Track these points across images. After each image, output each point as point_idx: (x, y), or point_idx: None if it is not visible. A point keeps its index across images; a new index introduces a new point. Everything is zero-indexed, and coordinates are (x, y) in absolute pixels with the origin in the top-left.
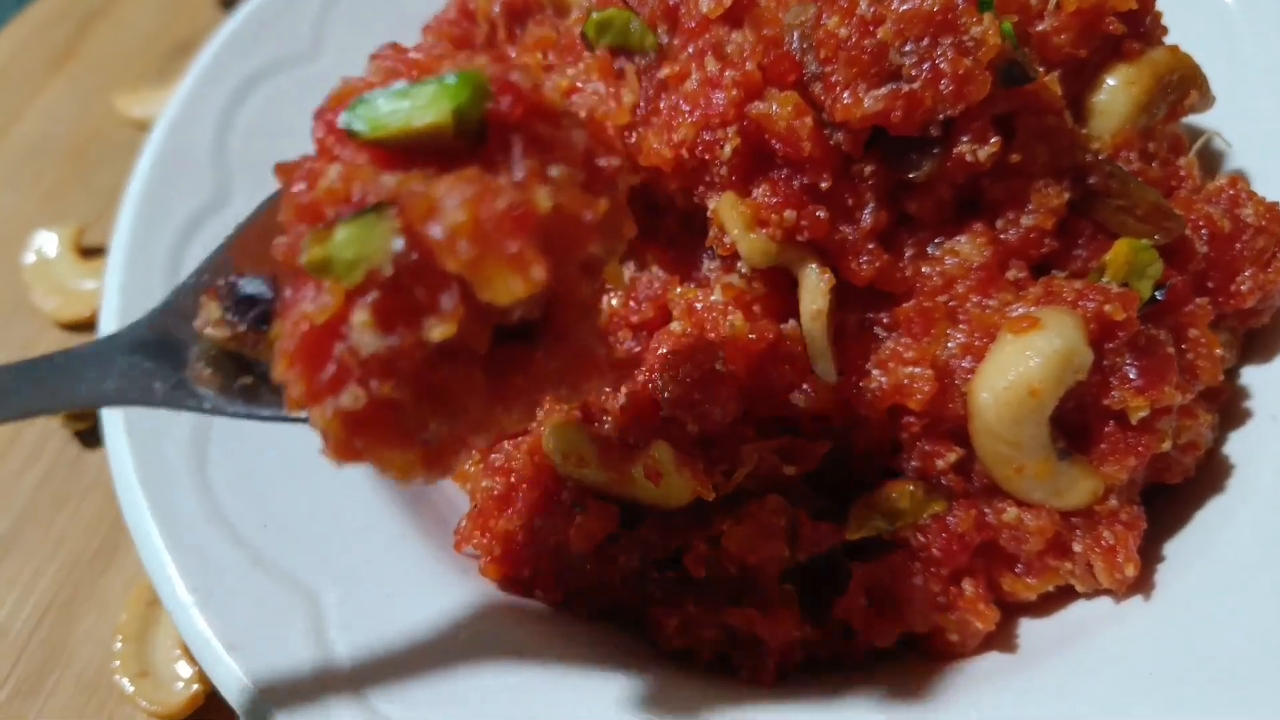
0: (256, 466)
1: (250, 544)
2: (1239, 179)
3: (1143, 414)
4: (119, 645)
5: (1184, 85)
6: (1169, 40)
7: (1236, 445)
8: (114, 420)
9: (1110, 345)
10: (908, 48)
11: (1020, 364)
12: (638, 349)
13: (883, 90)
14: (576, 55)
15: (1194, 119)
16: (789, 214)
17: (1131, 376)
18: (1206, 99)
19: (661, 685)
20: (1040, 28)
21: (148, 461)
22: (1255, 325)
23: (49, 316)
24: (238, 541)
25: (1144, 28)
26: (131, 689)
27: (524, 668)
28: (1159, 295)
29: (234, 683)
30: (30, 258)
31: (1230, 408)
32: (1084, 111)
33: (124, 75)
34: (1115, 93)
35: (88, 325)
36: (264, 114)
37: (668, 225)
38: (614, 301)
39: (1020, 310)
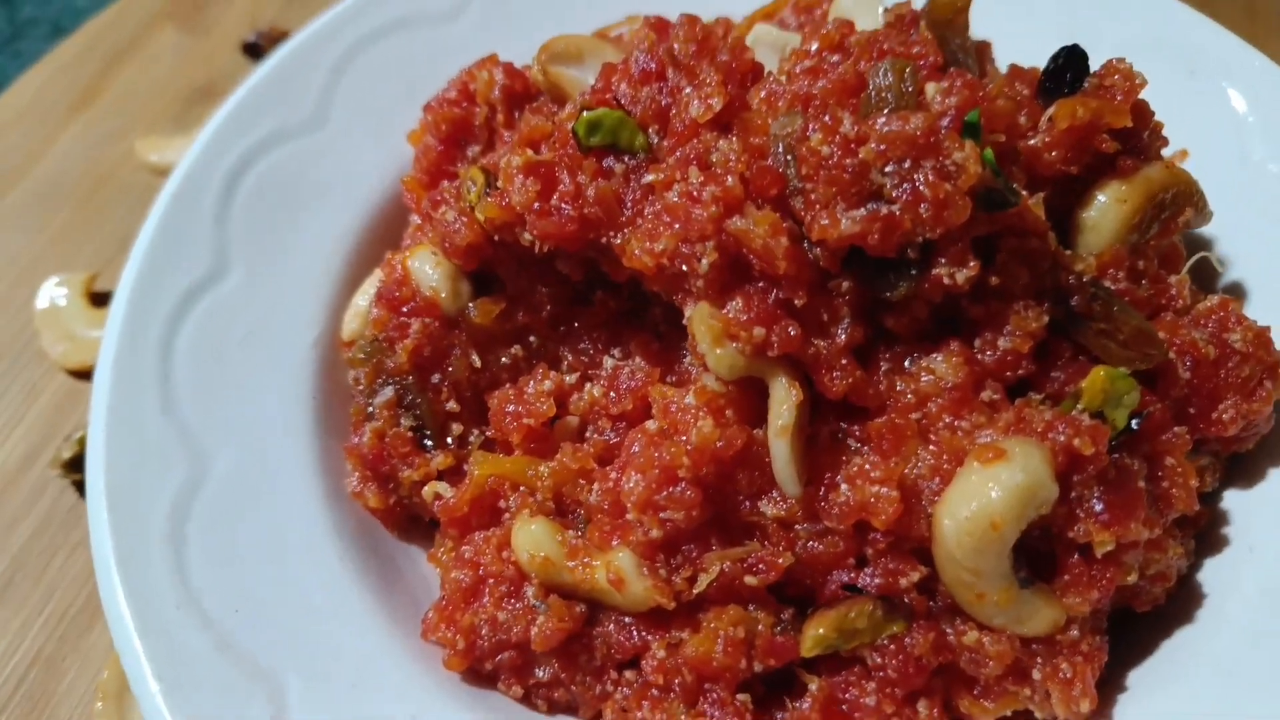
0: (234, 548)
1: (219, 629)
2: (1230, 301)
3: (1108, 548)
4: (99, 705)
5: (1179, 202)
6: (1178, 146)
7: (1211, 573)
8: (96, 492)
9: (1078, 477)
10: (889, 168)
11: (983, 496)
12: (615, 440)
13: (861, 211)
14: (565, 150)
15: (1201, 229)
16: (758, 331)
17: (1097, 510)
18: (1203, 215)
19: None
20: (1032, 142)
21: (125, 539)
22: (1239, 450)
23: (56, 362)
24: (207, 626)
25: (1141, 142)
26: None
27: None
28: (1135, 424)
29: None
30: (42, 303)
31: (1209, 533)
32: (1074, 226)
33: (144, 118)
34: (1105, 210)
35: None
36: (266, 185)
37: (654, 316)
38: (595, 391)
39: (989, 437)
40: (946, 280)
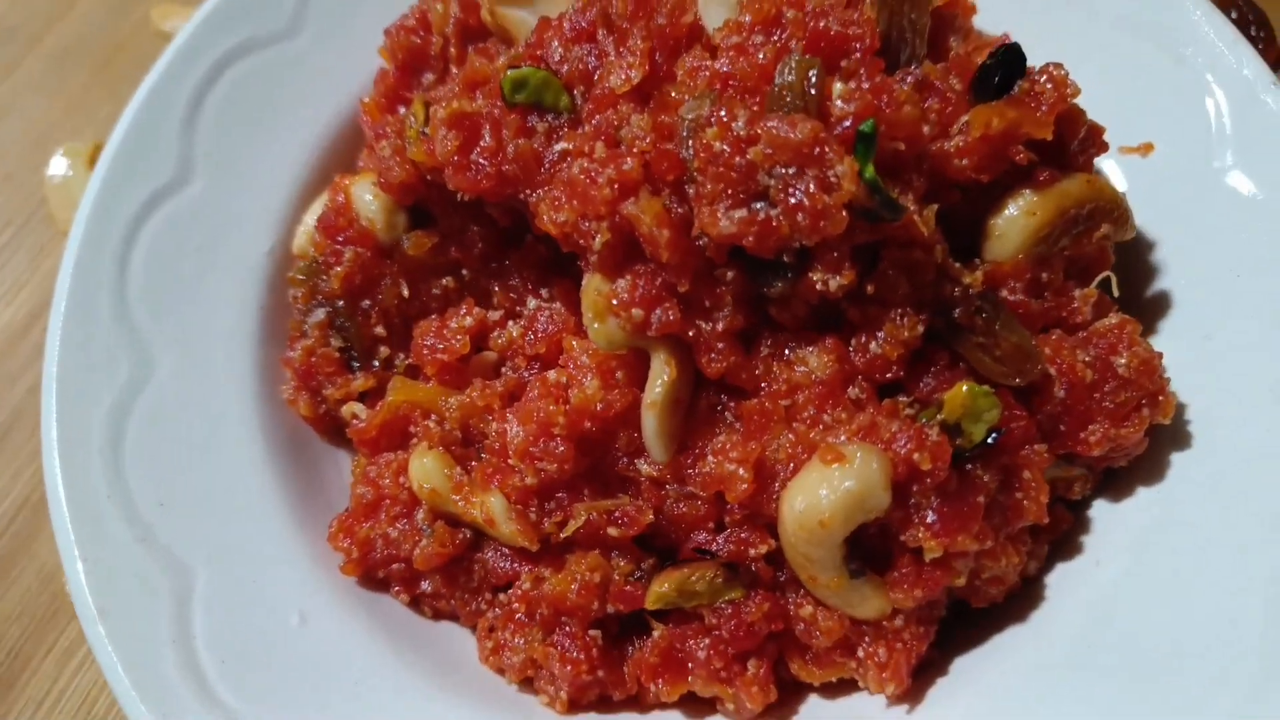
0: (168, 445)
1: (143, 521)
2: (1129, 322)
3: (935, 555)
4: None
5: (1095, 218)
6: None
7: (1057, 578)
8: (48, 384)
9: (917, 487)
10: (776, 171)
11: (816, 495)
12: (529, 377)
13: (742, 212)
14: (494, 103)
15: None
16: (637, 312)
17: (929, 520)
18: (1124, 229)
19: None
20: (944, 146)
21: (68, 431)
22: (1112, 466)
23: (62, 229)
24: (133, 518)
25: (1066, 151)
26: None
27: (357, 664)
28: (991, 440)
29: (98, 644)
30: (51, 171)
31: (1069, 538)
32: (983, 230)
33: None
34: (1013, 221)
35: None
36: (236, 94)
37: (578, 268)
38: (515, 331)
39: (841, 437)
40: (820, 287)
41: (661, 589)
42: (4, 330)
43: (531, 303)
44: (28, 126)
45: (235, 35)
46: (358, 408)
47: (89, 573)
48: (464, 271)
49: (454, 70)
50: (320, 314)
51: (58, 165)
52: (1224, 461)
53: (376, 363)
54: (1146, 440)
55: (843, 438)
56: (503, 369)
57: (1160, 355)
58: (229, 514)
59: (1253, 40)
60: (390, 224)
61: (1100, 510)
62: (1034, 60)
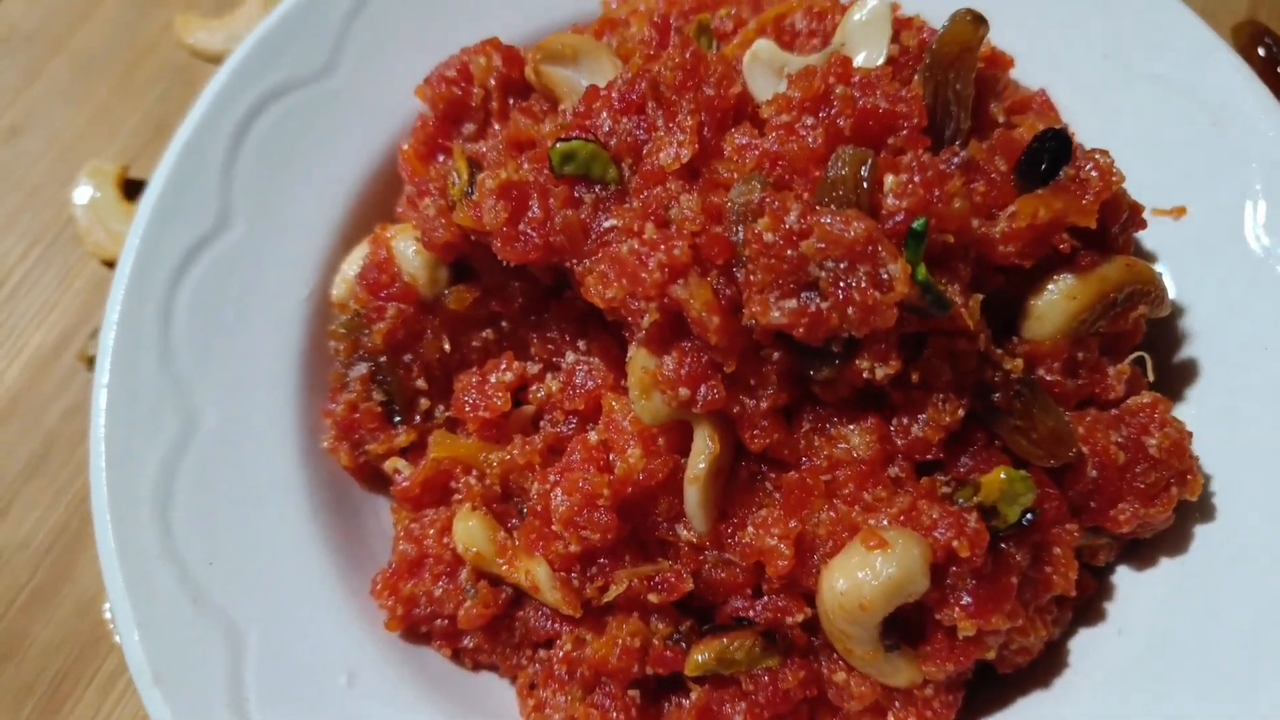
0: (215, 503)
1: (195, 581)
2: (1161, 401)
3: (968, 634)
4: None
5: (1133, 300)
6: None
7: (1080, 643)
8: (96, 442)
9: (954, 570)
10: (827, 264)
11: (858, 578)
12: (567, 433)
13: (793, 303)
14: (541, 171)
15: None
16: (684, 391)
17: (965, 602)
18: (1160, 308)
19: None
20: (989, 231)
21: (118, 491)
22: (1137, 538)
23: (90, 251)
24: (185, 578)
25: (1107, 235)
26: (114, 631)
27: (399, 713)
28: (1025, 521)
29: (155, 709)
30: (78, 194)
31: (1091, 604)
32: (1022, 309)
33: None
34: (1054, 304)
35: None
36: (273, 136)
37: (615, 323)
38: (554, 385)
39: (881, 521)
40: (866, 374)
41: (702, 657)
42: (36, 354)
43: (570, 356)
44: (52, 139)
45: (273, 75)
46: (400, 463)
47: (145, 639)
48: (503, 323)
49: (495, 124)
50: (362, 368)
51: (82, 193)
52: (1247, 536)
53: (418, 417)
54: (1173, 516)
55: (884, 520)
56: (541, 422)
57: (1190, 435)
58: (277, 571)
59: None
60: (433, 279)
61: (1123, 577)
62: (1068, 116)
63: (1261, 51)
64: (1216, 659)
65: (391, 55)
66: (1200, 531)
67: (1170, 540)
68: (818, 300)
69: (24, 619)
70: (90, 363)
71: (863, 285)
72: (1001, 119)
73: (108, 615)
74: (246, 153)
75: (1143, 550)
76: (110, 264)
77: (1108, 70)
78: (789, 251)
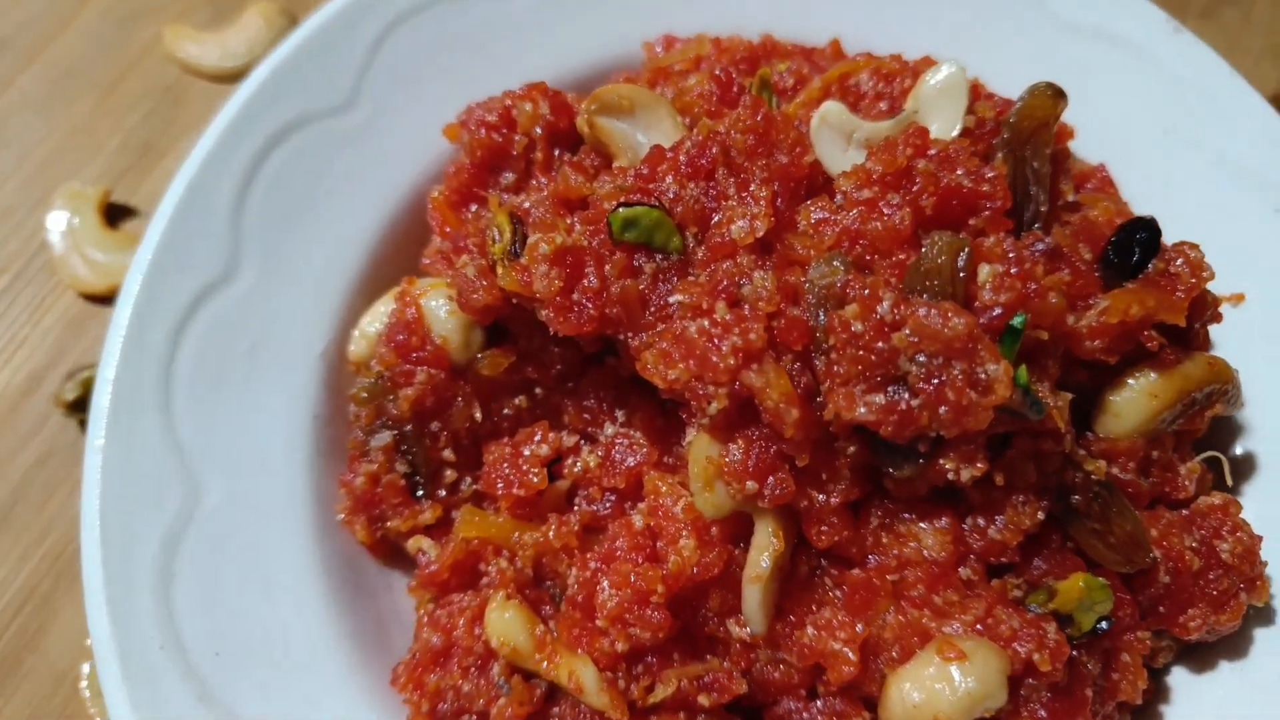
0: (220, 587)
1: (200, 675)
2: (1232, 504)
3: None
4: (87, 668)
5: (1211, 400)
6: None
7: None
8: (90, 520)
9: (1031, 681)
10: (919, 359)
11: (935, 691)
12: (604, 512)
13: (880, 398)
14: (596, 236)
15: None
16: (751, 485)
17: (1041, 715)
18: (1236, 404)
19: None
20: (1078, 323)
21: (115, 575)
22: (1203, 642)
23: (67, 284)
24: (189, 673)
25: (1191, 332)
26: (93, 710)
27: None
28: (1101, 628)
29: None
30: (54, 219)
31: (1147, 707)
32: (1099, 404)
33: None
34: (1135, 401)
35: (105, 299)
36: (285, 176)
37: (657, 392)
38: (591, 460)
39: (956, 628)
40: (951, 476)
41: None
42: (3, 396)
43: (609, 429)
44: (24, 156)
45: (289, 106)
46: (425, 543)
47: None
48: (537, 390)
49: (538, 176)
50: (386, 437)
51: (58, 218)
52: None
53: (442, 490)
54: (1240, 623)
55: (958, 627)
56: (576, 498)
57: (1261, 540)
58: (290, 661)
59: None
60: (466, 342)
61: (1180, 679)
62: (1126, 194)
63: None
64: None
65: (419, 90)
66: (1261, 635)
67: (1230, 643)
68: (907, 397)
69: None
70: (67, 408)
71: (958, 384)
72: (1071, 196)
73: (84, 691)
74: (257, 192)
75: (1201, 653)
76: (89, 297)
77: (1169, 147)
78: (879, 344)
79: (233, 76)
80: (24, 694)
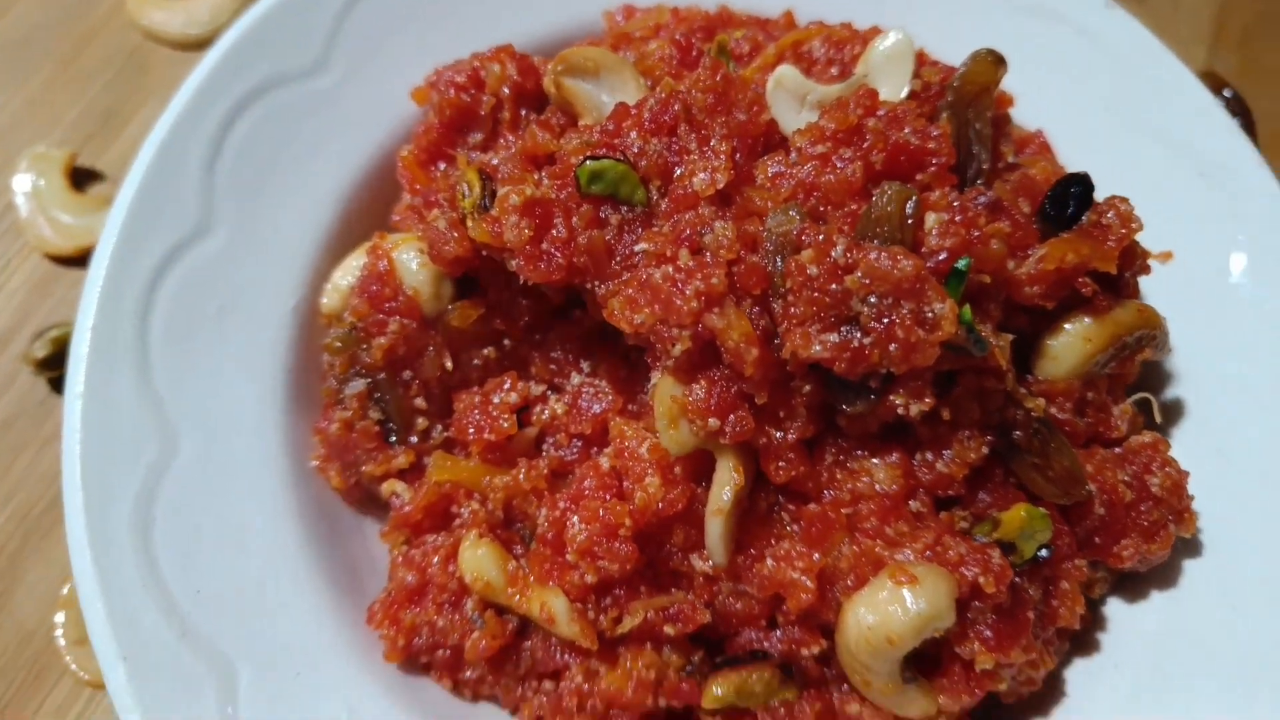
0: (199, 529)
1: (181, 613)
2: (1161, 442)
3: (987, 667)
4: (61, 616)
5: (1142, 344)
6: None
7: (1076, 674)
8: (71, 470)
9: (976, 604)
10: (871, 300)
11: (887, 613)
12: (571, 458)
13: (834, 336)
14: (564, 189)
15: None
16: (713, 421)
17: (986, 635)
18: (1164, 350)
19: None
20: (1018, 271)
21: (97, 520)
22: (1135, 571)
23: (34, 246)
24: (171, 610)
25: (1121, 280)
26: (68, 658)
27: None
28: (1041, 556)
29: None
30: (19, 181)
31: (1085, 635)
32: (1037, 349)
33: None
34: (1070, 345)
35: (71, 260)
36: (258, 135)
37: (625, 340)
38: (558, 408)
39: (907, 555)
40: (900, 410)
41: (719, 691)
42: None
43: (575, 378)
44: None
45: (259, 69)
46: (399, 486)
47: (131, 673)
48: (505, 342)
49: (506, 135)
50: (360, 385)
51: (23, 181)
52: (1234, 571)
53: (414, 437)
54: (1169, 552)
55: (910, 555)
56: (544, 445)
57: (1188, 475)
58: (267, 600)
59: None
60: (437, 294)
61: (1115, 609)
62: (1063, 159)
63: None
64: (1207, 691)
65: (387, 54)
66: (1189, 566)
67: (1161, 574)
68: (859, 335)
69: None
70: (37, 365)
71: (907, 322)
72: (1011, 158)
73: (60, 640)
74: (229, 152)
75: (1134, 584)
76: (56, 259)
77: (1102, 115)
78: (832, 285)
79: (197, 44)
80: None
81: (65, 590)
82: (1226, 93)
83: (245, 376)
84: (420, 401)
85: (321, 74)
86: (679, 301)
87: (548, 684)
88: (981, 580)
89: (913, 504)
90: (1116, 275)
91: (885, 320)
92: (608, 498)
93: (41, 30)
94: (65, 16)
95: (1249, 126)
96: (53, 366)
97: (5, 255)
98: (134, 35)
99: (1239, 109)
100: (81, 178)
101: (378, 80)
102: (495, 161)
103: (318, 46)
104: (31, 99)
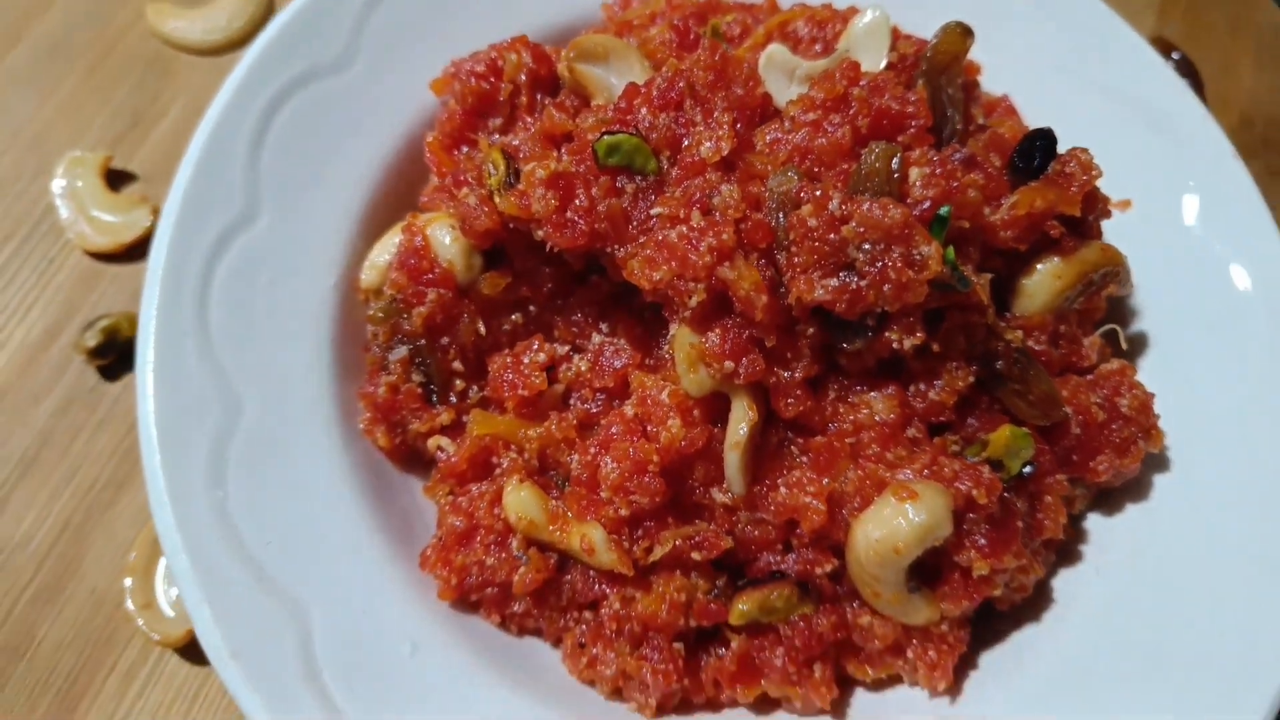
0: (265, 488)
1: (257, 562)
2: (1128, 368)
3: (983, 573)
4: (129, 582)
5: (1106, 280)
6: (1124, 193)
7: (1062, 582)
8: (149, 440)
9: (971, 516)
10: (865, 246)
11: (892, 526)
12: (596, 410)
13: (834, 280)
14: (584, 162)
15: None
16: (728, 364)
17: (980, 544)
18: (1126, 286)
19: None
20: (993, 217)
21: (175, 483)
22: (1108, 487)
23: (74, 244)
24: (248, 560)
25: (1085, 223)
26: (140, 620)
27: (466, 686)
28: (1026, 472)
29: (236, 686)
30: (58, 182)
31: (1068, 547)
32: (1013, 289)
33: None
34: (1042, 282)
35: (112, 256)
36: (296, 125)
37: (640, 300)
38: (582, 365)
39: (907, 474)
40: (895, 345)
41: (744, 607)
42: (20, 349)
43: (595, 338)
44: (19, 129)
45: (292, 66)
46: (443, 441)
47: (216, 616)
48: (531, 308)
49: (525, 118)
50: (402, 351)
51: (64, 173)
52: (1200, 483)
53: (453, 397)
54: (1139, 466)
55: (909, 475)
56: (571, 399)
57: (1153, 396)
58: (332, 548)
59: None
60: (469, 265)
61: (1095, 523)
62: (1028, 120)
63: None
64: (1184, 592)
65: (406, 49)
66: (1159, 479)
67: (1133, 488)
68: (856, 279)
69: (30, 616)
70: (89, 354)
71: (898, 264)
72: (981, 120)
73: (129, 604)
74: (270, 144)
75: (1109, 498)
76: (96, 255)
77: (1061, 78)
78: (830, 235)
79: (214, 50)
80: (67, 616)
81: (132, 556)
82: (1175, 55)
83: (297, 346)
84: (457, 364)
85: (348, 69)
86: (693, 257)
87: (587, 614)
88: (974, 493)
89: (909, 431)
90: (1081, 218)
91: (879, 264)
92: (635, 439)
93: (66, 42)
94: (87, 28)
95: (1197, 86)
96: (103, 355)
97: (49, 254)
98: (154, 42)
99: (1187, 70)
100: (115, 179)
101: (400, 72)
102: (515, 142)
103: (343, 43)
104: (61, 106)
